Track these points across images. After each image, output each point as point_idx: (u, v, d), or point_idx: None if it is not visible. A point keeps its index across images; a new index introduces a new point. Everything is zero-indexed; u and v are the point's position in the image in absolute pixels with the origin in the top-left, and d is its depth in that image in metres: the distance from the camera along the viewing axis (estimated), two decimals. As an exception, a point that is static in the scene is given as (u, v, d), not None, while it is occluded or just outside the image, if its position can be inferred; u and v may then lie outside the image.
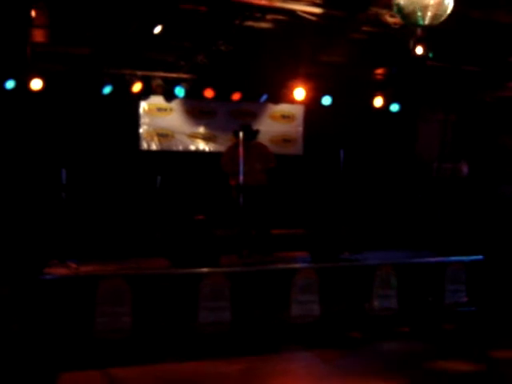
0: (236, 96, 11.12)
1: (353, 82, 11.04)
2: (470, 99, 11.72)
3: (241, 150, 8.83)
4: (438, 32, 7.43)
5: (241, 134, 8.97)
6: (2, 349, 6.62)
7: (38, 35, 8.75)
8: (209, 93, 10.86)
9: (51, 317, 6.88)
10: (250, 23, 8.16)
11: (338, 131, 11.30)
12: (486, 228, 9.26)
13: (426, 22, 6.01)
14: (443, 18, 6.10)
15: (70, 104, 10.09)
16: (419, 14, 5.97)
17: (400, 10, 6.19)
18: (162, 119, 11.09)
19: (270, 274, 8.00)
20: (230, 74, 10.55)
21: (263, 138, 10.34)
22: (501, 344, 7.53)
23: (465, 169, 10.85)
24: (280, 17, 8.00)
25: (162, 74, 10.51)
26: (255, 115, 11.60)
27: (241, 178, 8.85)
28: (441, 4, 6.02)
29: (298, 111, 12.00)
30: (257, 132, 9.70)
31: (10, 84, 9.48)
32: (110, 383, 6.09)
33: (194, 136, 11.32)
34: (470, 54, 9.44)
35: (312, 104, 11.59)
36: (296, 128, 12.00)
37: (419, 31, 7.04)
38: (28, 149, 9.80)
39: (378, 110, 11.90)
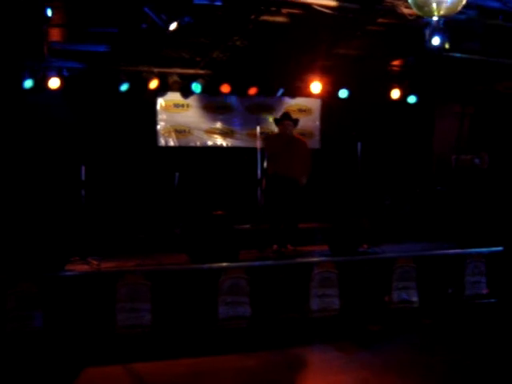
0: (252, 91, 11.14)
1: (369, 74, 11.00)
2: (488, 91, 11.63)
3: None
4: (455, 23, 7.38)
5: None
6: (27, 344, 6.72)
7: (55, 34, 8.80)
8: (225, 88, 10.89)
9: (73, 313, 6.96)
10: (265, 17, 8.13)
11: (355, 124, 11.26)
12: (505, 219, 9.19)
13: (441, 12, 5.99)
14: (458, 9, 6.07)
15: (88, 102, 10.18)
16: (434, 4, 5.94)
17: (414, 0, 6.17)
18: (179, 115, 11.14)
19: (290, 268, 7.99)
20: (246, 69, 10.56)
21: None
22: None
23: (485, 160, 10.77)
24: (295, 10, 7.96)
25: (178, 70, 10.57)
26: (272, 109, 11.61)
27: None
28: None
29: (314, 105, 12.00)
30: (297, 120, 9.43)
31: (28, 83, 9.58)
32: (132, 378, 6.14)
33: (211, 131, 11.36)
34: (487, 45, 9.36)
35: (329, 97, 11.59)
36: (313, 122, 12.01)
37: (435, 22, 6.96)
38: (48, 146, 9.90)
39: (395, 102, 11.87)
